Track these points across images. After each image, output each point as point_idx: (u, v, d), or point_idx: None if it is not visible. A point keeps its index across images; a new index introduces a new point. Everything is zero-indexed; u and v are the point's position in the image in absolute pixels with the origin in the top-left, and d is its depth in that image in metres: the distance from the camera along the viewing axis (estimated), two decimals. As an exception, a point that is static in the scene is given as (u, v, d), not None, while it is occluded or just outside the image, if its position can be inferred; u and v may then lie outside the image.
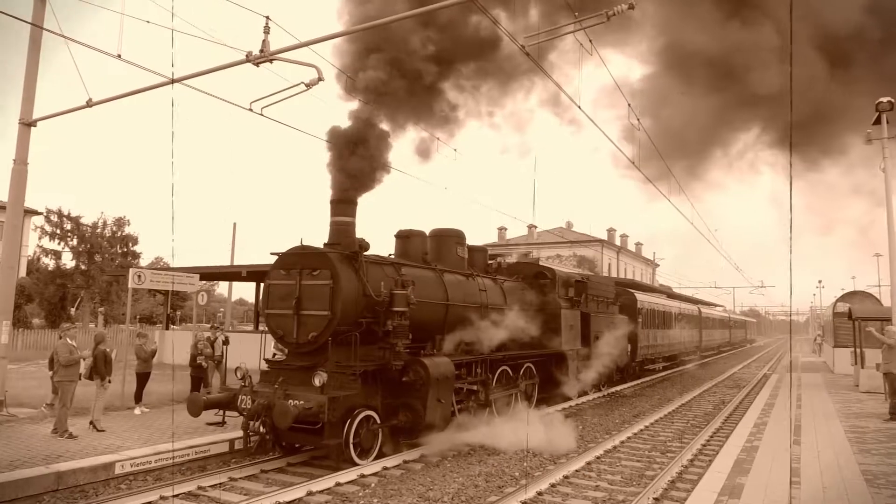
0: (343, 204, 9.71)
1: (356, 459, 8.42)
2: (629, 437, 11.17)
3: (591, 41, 9.42)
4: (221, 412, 8.99)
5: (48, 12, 11.90)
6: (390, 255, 11.14)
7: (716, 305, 51.22)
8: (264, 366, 9.72)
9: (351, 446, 8.39)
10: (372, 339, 9.17)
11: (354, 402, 8.58)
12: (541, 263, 16.69)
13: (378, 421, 8.94)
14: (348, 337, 8.80)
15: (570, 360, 14.43)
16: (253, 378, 9.16)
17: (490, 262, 13.81)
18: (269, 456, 8.92)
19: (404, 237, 11.59)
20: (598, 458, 9.49)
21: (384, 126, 10.03)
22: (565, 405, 14.32)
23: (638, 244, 68.77)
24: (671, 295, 34.95)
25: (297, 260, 9.33)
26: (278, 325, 9.40)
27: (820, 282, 60.64)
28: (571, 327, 14.61)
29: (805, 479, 7.43)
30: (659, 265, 72.19)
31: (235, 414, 8.75)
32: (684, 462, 9.20)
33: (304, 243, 9.54)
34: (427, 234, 12.03)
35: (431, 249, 11.79)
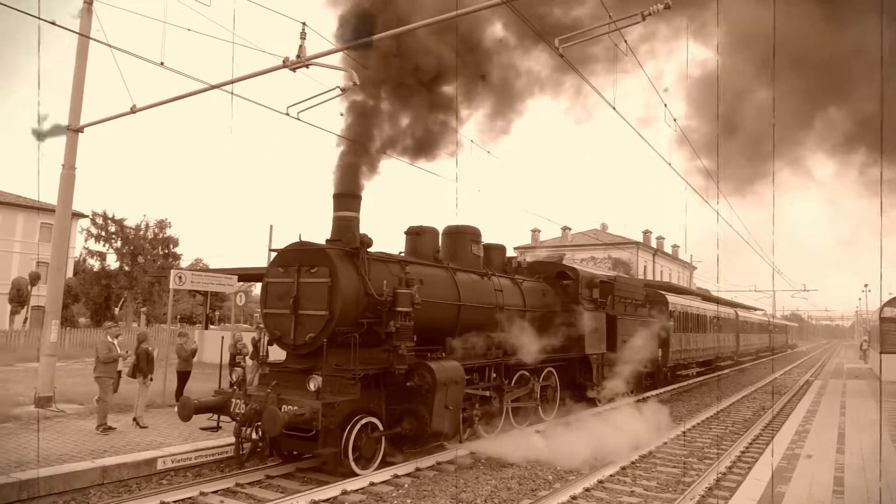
0: (346, 198, 9.32)
1: (356, 469, 7.95)
2: (665, 443, 10.99)
3: (626, 42, 9.32)
4: (215, 416, 8.56)
5: (94, 22, 12.35)
6: (401, 252, 10.64)
7: (755, 309, 49.99)
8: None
9: (350, 455, 7.91)
10: (375, 341, 8.70)
11: (355, 408, 8.13)
12: (564, 263, 16.18)
13: (381, 428, 8.46)
14: (349, 338, 8.34)
15: (594, 364, 14.02)
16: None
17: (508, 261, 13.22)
18: (265, 463, 8.51)
19: (414, 234, 10.98)
20: (633, 463, 9.37)
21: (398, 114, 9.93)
22: (591, 412, 13.75)
23: (675, 247, 67.62)
24: (706, 298, 34.22)
25: (296, 257, 8.87)
26: (276, 325, 8.98)
27: (866, 285, 58.70)
28: (596, 330, 14.08)
29: (849, 490, 7.22)
30: (696, 268, 70.83)
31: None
32: (722, 469, 9.02)
33: (304, 239, 9.09)
34: (441, 231, 11.50)
35: (444, 247, 11.33)
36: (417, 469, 8.58)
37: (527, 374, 11.84)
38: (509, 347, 11.13)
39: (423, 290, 9.21)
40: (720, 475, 8.69)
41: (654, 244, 61.31)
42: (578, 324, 13.37)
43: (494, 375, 10.82)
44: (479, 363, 10.44)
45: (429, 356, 9.29)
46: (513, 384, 11.40)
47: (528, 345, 11.49)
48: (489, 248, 12.47)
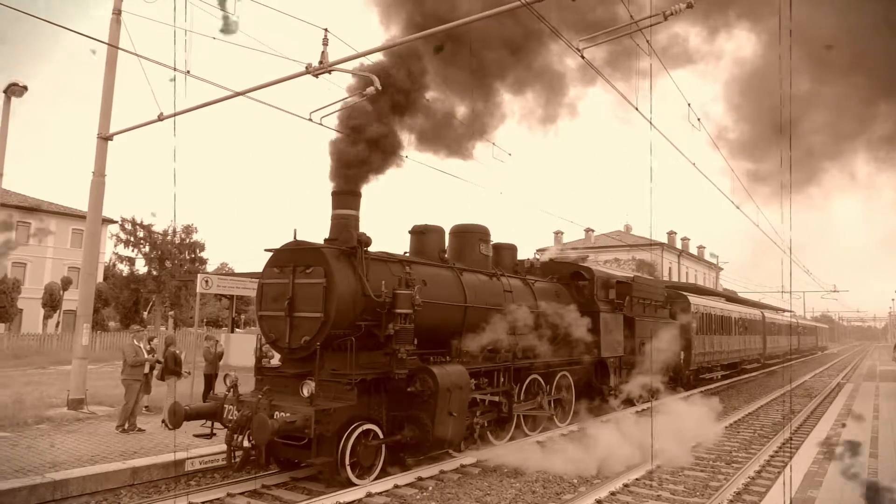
0: (345, 196, 8.96)
1: (353, 479, 7.62)
2: (692, 446, 10.84)
3: (648, 41, 9.23)
4: (209, 423, 8.29)
5: (123, 32, 12.64)
6: (405, 252, 10.22)
7: (784, 310, 49.07)
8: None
9: (347, 464, 7.56)
10: (375, 344, 8.36)
11: (352, 415, 7.75)
12: (579, 263, 15.79)
13: (381, 435, 8.08)
14: (346, 342, 7.95)
15: (611, 368, 13.67)
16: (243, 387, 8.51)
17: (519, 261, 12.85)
18: (262, 472, 8.24)
19: (419, 233, 10.51)
20: (659, 466, 9.26)
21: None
22: (609, 417, 13.17)
23: (700, 247, 66.71)
24: (731, 299, 33.68)
25: (291, 257, 8.51)
26: (271, 327, 8.65)
27: (899, 286, 57.18)
28: (612, 332, 13.65)
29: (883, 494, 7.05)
30: (723, 269, 69.80)
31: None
32: (751, 473, 8.88)
33: (299, 238, 8.75)
34: (448, 230, 11.11)
35: (451, 247, 10.94)
36: (441, 472, 8.58)
37: (539, 378, 11.37)
38: (519, 350, 10.76)
39: (426, 291, 8.91)
40: (749, 479, 8.57)
41: (678, 245, 60.56)
42: (594, 326, 12.87)
43: (503, 380, 10.41)
44: (487, 367, 9.99)
45: (431, 360, 8.98)
46: (524, 389, 10.99)
47: (540, 347, 11.12)
48: (499, 247, 12.08)
